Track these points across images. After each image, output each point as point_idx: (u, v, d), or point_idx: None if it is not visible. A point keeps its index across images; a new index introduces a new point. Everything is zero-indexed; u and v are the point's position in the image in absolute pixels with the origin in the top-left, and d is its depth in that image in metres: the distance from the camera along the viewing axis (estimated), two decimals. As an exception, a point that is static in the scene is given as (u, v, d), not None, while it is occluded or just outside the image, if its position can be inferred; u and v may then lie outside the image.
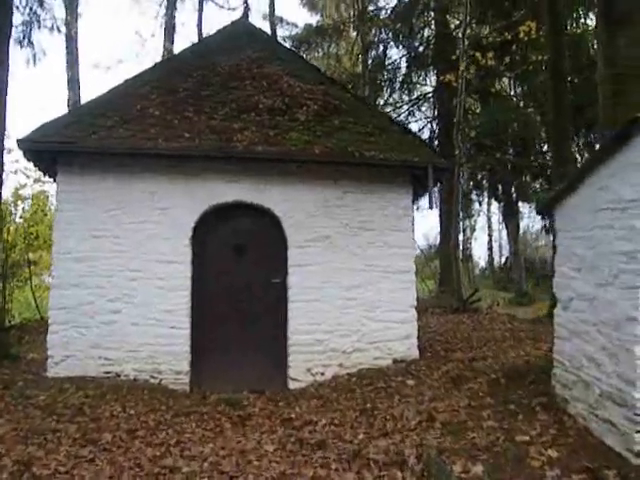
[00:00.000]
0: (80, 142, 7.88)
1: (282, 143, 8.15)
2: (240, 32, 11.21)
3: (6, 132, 11.04)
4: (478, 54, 13.61)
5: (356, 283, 8.38)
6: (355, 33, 25.01)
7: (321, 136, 8.50)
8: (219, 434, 5.81)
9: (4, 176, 10.81)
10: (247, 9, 11.74)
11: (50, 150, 7.88)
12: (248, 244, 8.36)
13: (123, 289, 8.01)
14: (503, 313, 15.67)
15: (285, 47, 11.18)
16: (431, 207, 8.73)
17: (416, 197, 9.30)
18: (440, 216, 21.72)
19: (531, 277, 32.81)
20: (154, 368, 7.94)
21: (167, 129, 8.23)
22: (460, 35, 23.83)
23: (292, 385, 8.12)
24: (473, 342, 9.95)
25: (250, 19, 12.80)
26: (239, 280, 8.31)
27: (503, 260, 44.63)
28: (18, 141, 7.77)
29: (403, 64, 25.42)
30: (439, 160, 8.50)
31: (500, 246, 50.75)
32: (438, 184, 11.77)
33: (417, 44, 25.06)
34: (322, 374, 8.18)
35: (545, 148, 24.32)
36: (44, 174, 9.04)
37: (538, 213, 25.29)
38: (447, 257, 19.36)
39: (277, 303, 8.33)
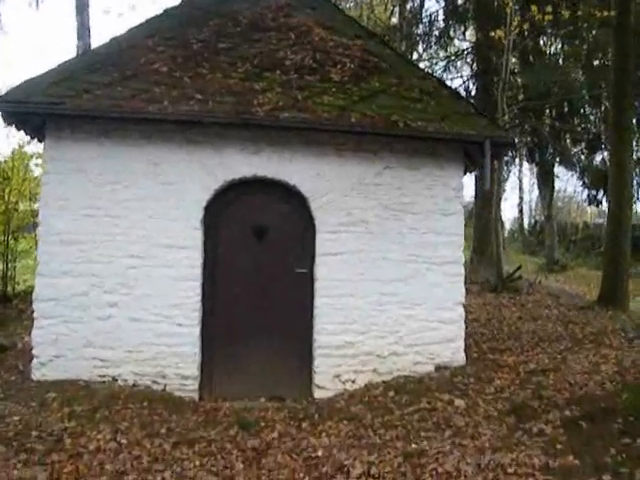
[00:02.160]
0: (69, 103, 6.57)
1: (312, 109, 6.78)
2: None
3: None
4: (534, 8, 12.01)
5: (395, 276, 7.10)
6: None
7: (358, 101, 7.11)
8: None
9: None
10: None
11: (34, 112, 6.59)
12: (269, 227, 7.10)
13: (122, 278, 6.81)
14: (546, 292, 14.37)
15: (317, -6, 9.64)
16: (486, 189, 7.35)
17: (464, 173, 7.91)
18: (476, 178, 20.09)
19: (562, 242, 31.57)
20: (157, 372, 6.78)
21: (175, 89, 6.90)
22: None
23: (318, 393, 6.93)
24: (523, 340, 8.67)
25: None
26: (258, 269, 7.07)
27: (533, 223, 43.38)
28: (-6, 101, 6.52)
29: (440, 17, 23.72)
30: (500, 133, 7.09)
31: (530, 208, 49.27)
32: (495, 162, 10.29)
33: (456, -4, 23.31)
34: (353, 382, 6.98)
35: (589, 111, 22.74)
36: (32, 138, 7.75)
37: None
38: (485, 226, 17.89)
39: (302, 297, 7.09)
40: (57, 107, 6.58)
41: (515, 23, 12.25)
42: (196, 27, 8.17)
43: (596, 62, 20.41)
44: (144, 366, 6.76)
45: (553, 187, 29.86)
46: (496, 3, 22.21)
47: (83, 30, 17.04)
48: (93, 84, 6.89)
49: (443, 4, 23.36)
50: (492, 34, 12.87)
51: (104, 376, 6.73)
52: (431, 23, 23.65)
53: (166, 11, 8.58)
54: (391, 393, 6.46)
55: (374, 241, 7.08)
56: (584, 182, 23.53)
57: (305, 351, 7.06)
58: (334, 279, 7.00)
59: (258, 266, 7.07)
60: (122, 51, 7.53)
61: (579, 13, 12.99)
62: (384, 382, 6.90)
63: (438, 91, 7.59)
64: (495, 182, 14.73)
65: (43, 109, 6.59)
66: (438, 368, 7.13)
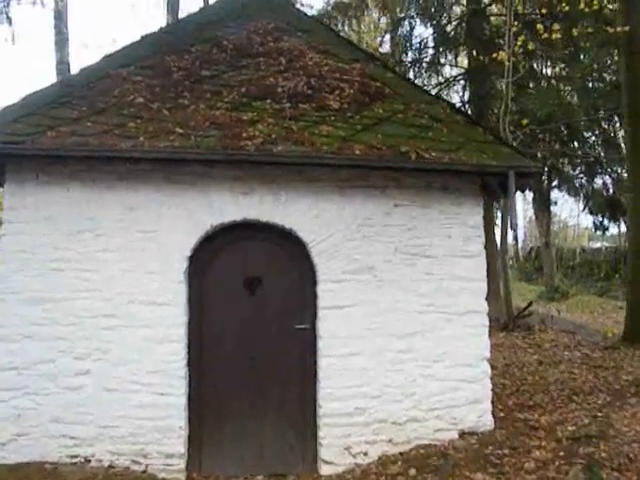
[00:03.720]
0: (31, 142, 5.68)
1: (309, 140, 5.91)
2: (251, -2, 8.95)
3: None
4: (540, 26, 11.30)
5: (410, 330, 6.18)
6: (378, 9, 22.65)
7: (361, 130, 6.25)
8: None
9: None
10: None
11: (-12, 153, 5.70)
12: (264, 278, 6.18)
13: (94, 342, 5.87)
14: (559, 327, 13.49)
15: (308, 15, 8.89)
16: (514, 228, 6.48)
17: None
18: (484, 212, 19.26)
19: (560, 268, 30.85)
20: (137, 450, 5.79)
21: (152, 122, 6.03)
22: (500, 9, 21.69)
23: (324, 469, 5.96)
24: (552, 392, 7.72)
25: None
26: (252, 326, 6.14)
27: (528, 249, 42.62)
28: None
29: (430, 43, 23.15)
30: (525, 162, 6.22)
31: (524, 234, 48.52)
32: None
33: (445, 22, 22.78)
34: (365, 454, 6.01)
35: (588, 135, 22.09)
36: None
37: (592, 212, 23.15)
38: (490, 260, 16.96)
39: (304, 358, 6.16)
40: (16, 147, 5.69)
41: (519, 42, 11.54)
42: (177, 54, 7.35)
43: (591, 84, 19.85)
44: (122, 444, 5.78)
45: (550, 213, 29.23)
46: (488, 28, 21.83)
47: (62, 65, 16.21)
48: (59, 120, 6.04)
49: (432, 30, 22.87)
50: (494, 56, 12.11)
51: (75, 457, 5.75)
52: (421, 49, 23.07)
53: (144, 38, 7.76)
54: (412, 472, 5.49)
55: (384, 290, 6.17)
56: (589, 208, 22.74)
57: (309, 420, 6.10)
58: (340, 336, 6.06)
59: (252, 323, 6.14)
60: (93, 82, 6.70)
61: (587, 30, 12.26)
62: (401, 454, 5.95)
63: (450, 117, 6.75)
64: (506, 220, 13.93)
65: (0, 150, 5.70)
66: (463, 434, 6.18)
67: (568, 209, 43.32)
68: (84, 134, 5.79)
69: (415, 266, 6.24)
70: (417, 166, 5.85)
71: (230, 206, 6.01)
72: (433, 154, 5.94)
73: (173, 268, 5.96)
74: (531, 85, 20.59)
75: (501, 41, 20.71)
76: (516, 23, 12.01)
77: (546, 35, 11.02)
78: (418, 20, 22.80)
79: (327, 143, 5.90)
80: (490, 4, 22.14)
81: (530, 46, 12.14)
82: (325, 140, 5.95)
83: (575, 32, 11.62)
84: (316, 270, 6.12)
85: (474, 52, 21.30)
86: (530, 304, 14.36)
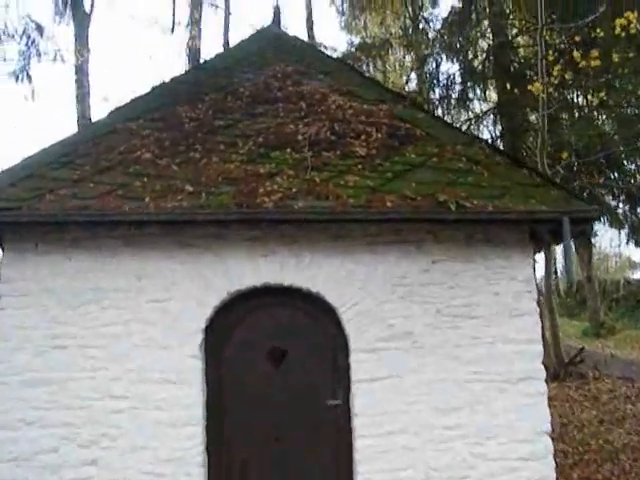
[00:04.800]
0: (28, 207, 5.15)
1: (334, 193, 5.27)
2: (269, 41, 8.48)
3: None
4: (577, 54, 10.65)
5: (457, 402, 5.41)
6: (403, 47, 22.26)
7: (392, 179, 5.60)
8: None
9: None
10: (278, 12, 8.90)
11: (-19, 222, 5.18)
12: (289, 349, 5.50)
13: (101, 427, 5.24)
14: (615, 373, 12.49)
15: (329, 56, 8.35)
16: (571, 284, 5.71)
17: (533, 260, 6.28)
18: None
19: (603, 302, 29.61)
20: None
21: (160, 180, 5.46)
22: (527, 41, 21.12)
23: None
24: (622, 461, 6.82)
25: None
26: (277, 404, 5.44)
27: (567, 283, 41.28)
28: None
29: (458, 79, 22.64)
30: (581, 207, 5.49)
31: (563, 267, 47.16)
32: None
33: (471, 56, 22.29)
34: None
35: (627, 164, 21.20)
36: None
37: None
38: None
39: (337, 438, 5.43)
40: (12, 214, 5.17)
41: (555, 72, 10.88)
42: (189, 104, 6.82)
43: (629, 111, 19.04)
44: None
45: (591, 245, 28.12)
46: (517, 60, 21.25)
47: (84, 120, 15.98)
48: (59, 181, 5.52)
49: (459, 66, 22.38)
50: (528, 88, 11.46)
51: None
52: (448, 86, 22.56)
53: (154, 89, 7.28)
54: None
55: (426, 358, 5.43)
56: (635, 240, 21.69)
57: (345, 510, 5.34)
58: (378, 412, 5.33)
59: (277, 400, 5.45)
60: (98, 138, 6.19)
61: (629, 55, 11.54)
62: None
63: (490, 158, 6.06)
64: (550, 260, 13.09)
65: (-6, 217, 5.18)
66: (524, 523, 5.35)
67: (608, 239, 42.03)
68: (85, 196, 5.25)
69: (460, 329, 5.50)
70: (458, 217, 5.16)
71: (248, 270, 5.37)
72: (475, 202, 5.25)
73: (187, 342, 5.33)
74: (564, 116, 19.89)
75: (531, 72, 20.21)
76: (551, 52, 11.36)
77: (584, 63, 10.33)
78: (444, 56, 22.39)
79: (354, 195, 5.25)
80: (517, 35, 21.63)
81: (567, 75, 11.47)
82: (352, 192, 5.31)
83: (616, 58, 10.90)
84: (348, 338, 5.43)
85: (503, 85, 20.75)
86: (582, 349, 13.37)
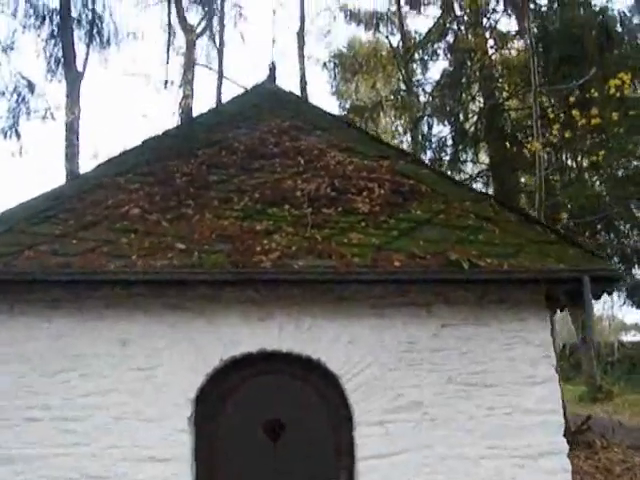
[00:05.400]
0: (4, 264, 4.73)
1: (336, 252, 4.88)
2: (264, 97, 8.24)
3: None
4: (576, 112, 10.53)
5: (473, 481, 4.90)
6: (395, 110, 22.38)
7: (398, 237, 5.24)
8: None
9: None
10: (273, 68, 8.70)
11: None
12: (288, 422, 4.99)
13: (79, 512, 4.66)
14: (624, 443, 11.93)
15: (326, 112, 8.09)
16: (594, 346, 5.28)
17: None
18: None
19: (599, 365, 29.05)
20: None
21: (149, 237, 5.07)
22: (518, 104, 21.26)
23: None
24: None
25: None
26: (275, 483, 4.90)
27: (561, 346, 40.65)
28: None
29: (450, 141, 22.70)
30: (602, 265, 5.12)
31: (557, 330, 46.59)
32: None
33: (463, 119, 22.41)
34: None
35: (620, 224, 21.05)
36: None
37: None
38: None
39: (341, 523, 4.88)
40: (-17, 272, 4.73)
41: (554, 131, 10.71)
42: (181, 158, 6.51)
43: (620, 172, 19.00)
44: None
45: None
46: (509, 122, 21.33)
47: (73, 177, 15.66)
48: (40, 237, 5.15)
49: (450, 128, 22.47)
50: (527, 146, 11.33)
51: None
52: (441, 148, 22.62)
53: (144, 142, 6.96)
54: None
55: (438, 432, 4.94)
56: (633, 301, 21.37)
57: None
58: (386, 494, 4.80)
59: (275, 478, 4.91)
60: (84, 193, 5.82)
61: (630, 113, 11.43)
62: None
63: (501, 215, 5.72)
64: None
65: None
66: None
67: (601, 301, 41.76)
68: (67, 253, 4.85)
69: (474, 399, 5.03)
70: (472, 277, 4.77)
71: (243, 335, 4.92)
72: (488, 261, 4.88)
73: (175, 414, 4.83)
74: (557, 178, 19.84)
75: (522, 135, 20.24)
76: (550, 110, 11.26)
77: (583, 121, 10.18)
78: (436, 119, 22.52)
79: (359, 254, 4.86)
80: (508, 99, 21.78)
81: (567, 134, 11.33)
82: (356, 251, 4.93)
83: (615, 116, 10.78)
84: (352, 409, 4.94)
85: (495, 147, 20.79)
86: (589, 417, 12.81)
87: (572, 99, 12.30)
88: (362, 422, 4.91)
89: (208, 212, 5.47)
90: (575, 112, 10.41)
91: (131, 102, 45.85)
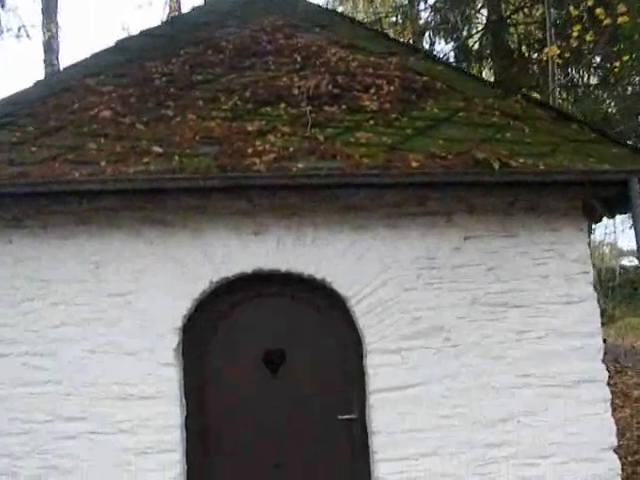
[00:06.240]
0: (-50, 178, 3.99)
1: (342, 153, 4.14)
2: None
3: None
4: (599, 10, 9.50)
5: (502, 414, 4.31)
6: (395, 26, 21.17)
7: (414, 135, 4.48)
8: None
9: None
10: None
11: None
12: (288, 351, 4.37)
13: (50, 458, 4.10)
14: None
15: (326, 9, 7.20)
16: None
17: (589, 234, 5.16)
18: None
19: (601, 290, 28.86)
20: None
21: (122, 141, 4.31)
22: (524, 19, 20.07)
23: None
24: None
25: None
26: (276, 421, 4.32)
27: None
28: None
29: (453, 59, 21.61)
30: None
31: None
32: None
33: (466, 35, 21.29)
34: None
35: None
36: None
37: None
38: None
39: (351, 463, 4.33)
40: None
41: (575, 32, 9.75)
42: (161, 59, 5.68)
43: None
44: None
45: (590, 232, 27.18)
46: (515, 38, 20.20)
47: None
48: (-4, 145, 4.35)
49: (454, 45, 21.36)
50: (545, 51, 10.40)
51: None
52: (443, 66, 21.57)
53: (119, 43, 6.11)
54: None
55: (461, 359, 4.32)
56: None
57: None
58: (402, 429, 4.22)
59: (275, 416, 4.32)
60: (48, 97, 5.03)
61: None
62: None
63: (530, 112, 4.95)
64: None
65: None
66: None
67: (602, 226, 41.23)
68: (24, 162, 4.10)
69: (502, 321, 4.40)
70: (503, 179, 4.04)
71: (236, 253, 4.23)
72: (521, 160, 4.14)
73: (159, 346, 4.20)
74: (564, 95, 18.89)
75: (527, 49, 19.18)
76: (572, 8, 10.25)
77: (608, 21, 9.20)
78: (438, 36, 21.39)
79: (369, 155, 4.12)
80: (515, 12, 20.57)
81: (588, 37, 10.35)
82: (365, 151, 4.18)
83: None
84: (362, 336, 4.31)
85: (500, 64, 19.76)
86: (604, 341, 12.32)
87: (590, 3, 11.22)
88: (374, 350, 4.28)
89: (191, 113, 4.69)
90: (599, 10, 9.42)
91: (113, 17, 44.04)
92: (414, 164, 4.00)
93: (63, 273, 4.26)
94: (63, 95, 5.06)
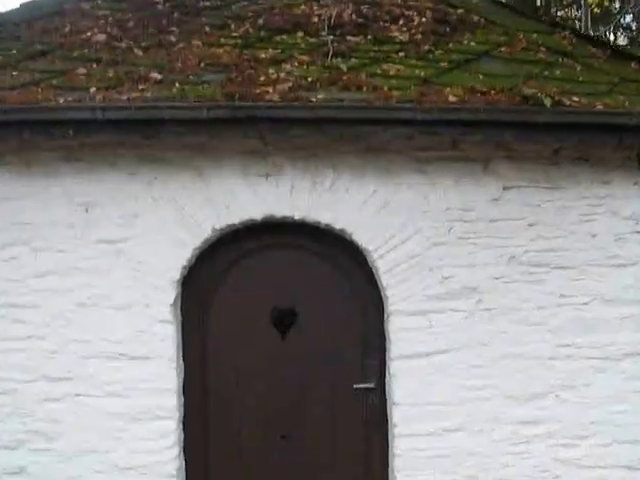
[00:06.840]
0: None
1: (368, 84, 3.60)
2: None
3: None
4: None
5: (538, 387, 3.87)
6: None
7: (449, 69, 3.95)
8: None
9: None
10: None
11: None
12: (300, 310, 3.92)
13: (33, 422, 3.73)
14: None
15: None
16: None
17: None
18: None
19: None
20: None
21: (116, 67, 3.81)
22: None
23: None
24: None
25: None
26: (284, 388, 3.90)
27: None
28: None
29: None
30: None
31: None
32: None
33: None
34: None
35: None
36: None
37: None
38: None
39: (367, 437, 3.92)
40: None
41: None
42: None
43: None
44: None
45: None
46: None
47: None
48: (-27, 70, 3.85)
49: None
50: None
51: None
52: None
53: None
54: None
55: (495, 325, 3.85)
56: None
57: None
58: (426, 401, 3.78)
59: (283, 383, 3.91)
60: (35, 20, 4.51)
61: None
62: None
63: (581, 49, 4.42)
64: None
65: None
66: None
67: None
68: (2, 87, 3.59)
69: (542, 284, 3.91)
70: (557, 119, 3.50)
71: (243, 197, 3.74)
72: (575, 99, 3.59)
73: (155, 300, 3.75)
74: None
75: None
76: None
77: None
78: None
79: (399, 87, 3.58)
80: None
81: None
82: (394, 83, 3.65)
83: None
84: (385, 295, 3.84)
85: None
86: None
87: None
88: (397, 312, 3.81)
89: (196, 39, 4.18)
90: None
91: None
92: (452, 98, 3.47)
93: (48, 216, 3.79)
94: (53, 19, 4.56)
